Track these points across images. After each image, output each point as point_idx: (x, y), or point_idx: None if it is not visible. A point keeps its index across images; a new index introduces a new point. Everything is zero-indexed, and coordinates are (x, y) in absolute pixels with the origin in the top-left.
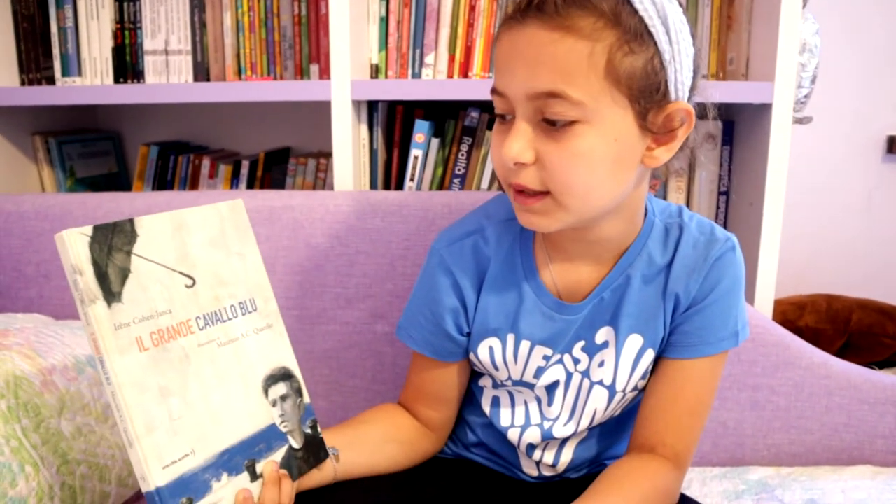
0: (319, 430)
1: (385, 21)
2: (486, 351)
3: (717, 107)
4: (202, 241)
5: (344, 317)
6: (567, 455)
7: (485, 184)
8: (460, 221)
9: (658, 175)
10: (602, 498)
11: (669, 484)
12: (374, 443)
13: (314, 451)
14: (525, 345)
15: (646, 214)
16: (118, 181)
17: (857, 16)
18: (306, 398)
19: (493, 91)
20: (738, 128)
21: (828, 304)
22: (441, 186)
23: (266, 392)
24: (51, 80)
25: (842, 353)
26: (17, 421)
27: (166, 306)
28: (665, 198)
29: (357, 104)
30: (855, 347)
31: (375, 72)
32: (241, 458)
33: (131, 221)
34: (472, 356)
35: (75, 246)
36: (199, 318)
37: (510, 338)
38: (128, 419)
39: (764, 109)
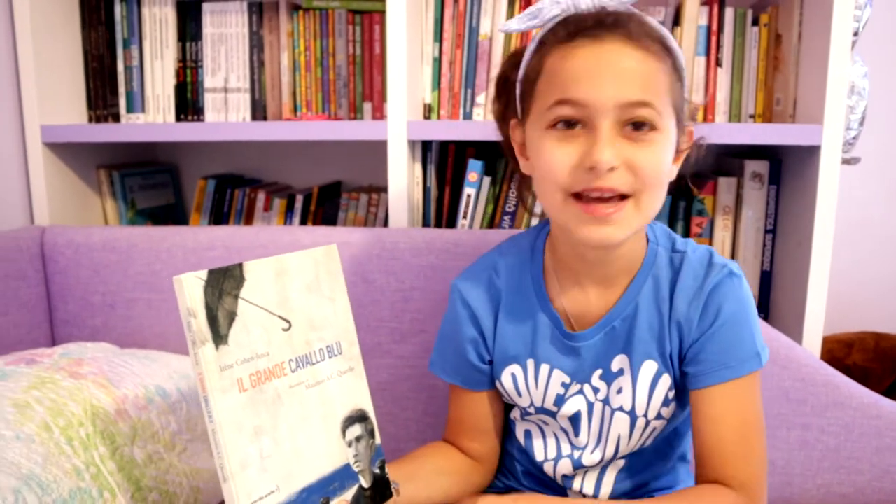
0: (386, 469)
1: (438, 62)
2: (510, 378)
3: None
4: (300, 286)
5: (398, 350)
6: (607, 487)
7: (534, 221)
8: (477, 261)
9: (704, 213)
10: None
11: None
12: (429, 476)
13: (381, 490)
14: (544, 368)
15: (647, 241)
16: (175, 212)
17: None
18: (377, 439)
19: (566, 101)
20: (785, 167)
21: (876, 343)
22: (492, 224)
23: (344, 433)
24: (116, 117)
25: (890, 392)
26: (95, 448)
27: (265, 349)
28: (711, 235)
29: (412, 143)
30: None
31: (428, 111)
32: (317, 496)
33: (240, 266)
34: (497, 384)
35: (191, 289)
36: (292, 361)
37: (530, 363)
38: (225, 456)
39: (812, 150)
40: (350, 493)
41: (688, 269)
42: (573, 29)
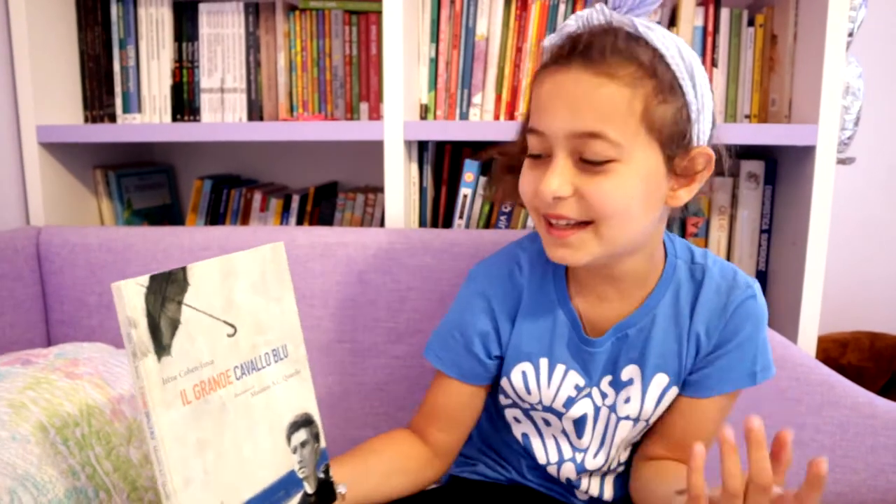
0: (331, 473)
1: (434, 62)
2: (520, 375)
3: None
4: (246, 286)
5: (394, 350)
6: (608, 491)
7: (531, 221)
8: (498, 253)
9: (700, 213)
10: None
11: None
12: (380, 475)
13: (325, 494)
14: (560, 369)
15: (666, 255)
16: (171, 212)
17: None
18: (323, 443)
19: (531, 130)
20: (780, 167)
21: (871, 342)
22: (488, 223)
23: (289, 439)
24: (112, 117)
25: (885, 392)
26: (91, 448)
27: (209, 357)
28: (707, 235)
29: (408, 144)
30: None
31: (425, 112)
32: None
33: (184, 270)
34: (504, 381)
35: (132, 297)
36: (237, 368)
37: (544, 362)
38: (167, 474)
39: (807, 150)
40: (295, 501)
41: (710, 283)
42: (550, 57)
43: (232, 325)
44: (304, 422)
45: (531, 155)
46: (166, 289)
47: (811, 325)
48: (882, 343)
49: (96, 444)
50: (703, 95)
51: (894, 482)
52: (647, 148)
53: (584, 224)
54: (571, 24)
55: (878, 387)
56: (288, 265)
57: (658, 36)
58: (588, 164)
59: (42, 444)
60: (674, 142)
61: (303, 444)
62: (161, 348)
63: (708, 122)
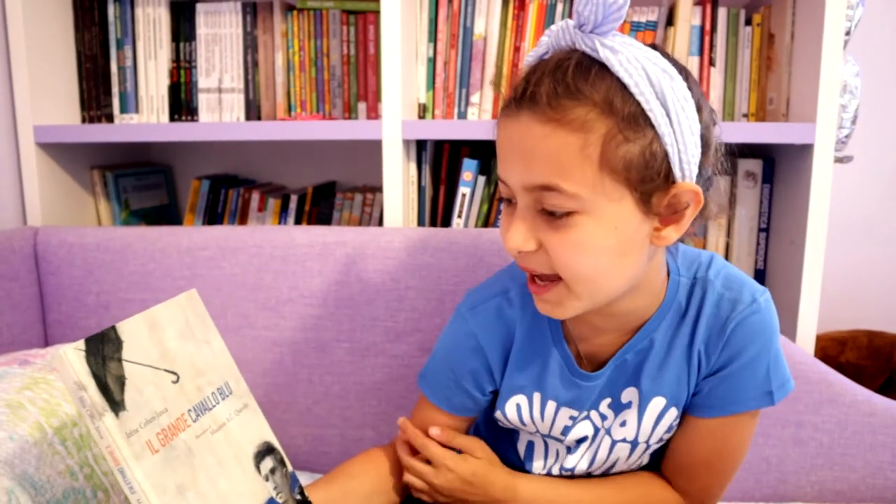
0: (306, 493)
1: (432, 61)
2: (514, 408)
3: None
4: (174, 335)
5: (393, 350)
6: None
7: None
8: (486, 283)
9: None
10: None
11: None
12: (360, 497)
13: None
14: (551, 405)
15: (669, 276)
16: (169, 213)
17: None
18: (289, 467)
19: (500, 178)
20: (778, 166)
21: (869, 341)
22: (486, 223)
23: (258, 468)
24: (109, 118)
25: (884, 390)
26: (89, 449)
27: (162, 405)
28: (706, 234)
29: (406, 143)
30: None
31: (423, 111)
32: None
33: (114, 328)
34: (498, 414)
35: (75, 362)
36: (191, 411)
37: (536, 396)
38: None
39: (805, 149)
40: None
41: (711, 297)
42: (505, 101)
43: (174, 373)
44: (267, 450)
45: (505, 200)
46: (103, 348)
47: (809, 324)
48: (880, 341)
49: (94, 444)
50: (681, 122)
51: (893, 480)
52: (613, 194)
53: (557, 277)
54: (544, 41)
55: (876, 385)
56: (205, 309)
57: (622, 60)
58: (550, 216)
59: (40, 445)
60: (646, 181)
61: (272, 471)
62: (115, 404)
63: (693, 151)
